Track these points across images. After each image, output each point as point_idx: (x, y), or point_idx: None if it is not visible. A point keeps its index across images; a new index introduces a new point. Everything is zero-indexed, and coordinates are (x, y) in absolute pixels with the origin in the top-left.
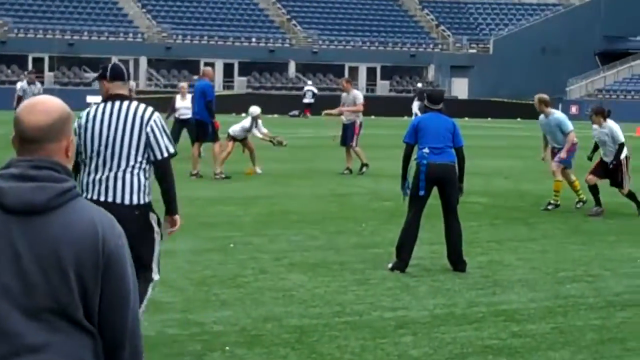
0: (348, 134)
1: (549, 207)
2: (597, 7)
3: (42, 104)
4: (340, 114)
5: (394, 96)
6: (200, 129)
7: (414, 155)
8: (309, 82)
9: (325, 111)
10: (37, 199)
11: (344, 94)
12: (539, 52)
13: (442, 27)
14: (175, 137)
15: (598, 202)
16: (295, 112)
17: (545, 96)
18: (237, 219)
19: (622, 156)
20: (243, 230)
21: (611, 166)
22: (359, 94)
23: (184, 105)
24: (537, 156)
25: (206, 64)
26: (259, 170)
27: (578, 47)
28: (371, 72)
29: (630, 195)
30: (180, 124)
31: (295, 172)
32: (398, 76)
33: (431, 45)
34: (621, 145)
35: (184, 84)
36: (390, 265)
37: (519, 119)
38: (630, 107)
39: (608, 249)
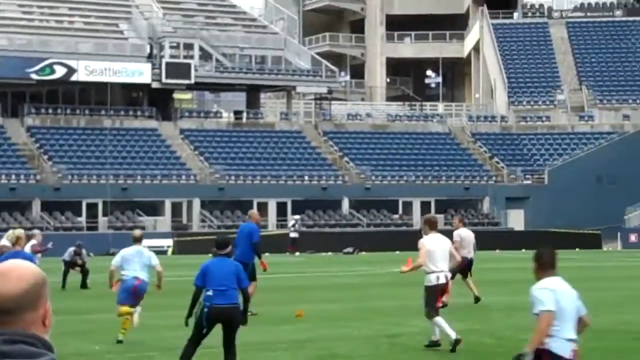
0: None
1: None
2: None
3: (16, 270)
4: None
5: (449, 229)
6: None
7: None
8: (296, 216)
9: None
10: None
11: (455, 232)
12: (595, 181)
13: (496, 159)
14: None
15: None
16: (350, 249)
17: (430, 217)
18: None
19: None
20: None
21: None
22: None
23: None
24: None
25: (259, 204)
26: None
27: (634, 174)
28: (425, 207)
29: None
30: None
31: (345, 312)
32: (453, 209)
33: (485, 178)
34: None
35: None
36: None
37: (577, 249)
38: None
39: None
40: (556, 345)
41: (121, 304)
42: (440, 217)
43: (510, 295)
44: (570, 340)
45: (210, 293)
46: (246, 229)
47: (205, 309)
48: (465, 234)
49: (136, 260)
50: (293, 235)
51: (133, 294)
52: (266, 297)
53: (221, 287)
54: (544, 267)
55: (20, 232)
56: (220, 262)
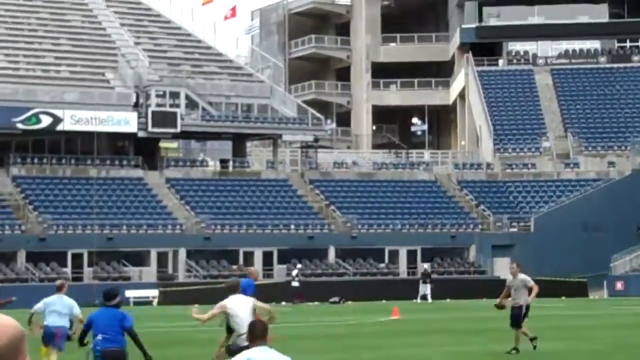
0: (519, 315)
1: None
2: (636, 181)
3: None
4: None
5: (435, 278)
6: None
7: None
8: (299, 266)
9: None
10: None
11: (510, 278)
12: (581, 228)
13: (482, 207)
14: None
15: None
16: (336, 299)
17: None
18: None
19: None
20: None
21: None
22: (527, 278)
23: None
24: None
25: (245, 253)
26: None
27: (620, 221)
28: (412, 255)
29: None
30: None
31: None
32: (439, 258)
33: (471, 226)
34: None
35: None
36: None
37: (563, 297)
38: None
39: None
40: None
41: (44, 345)
42: (427, 265)
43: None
44: None
45: (99, 338)
46: (244, 285)
47: (97, 353)
48: (520, 279)
49: (58, 309)
50: (295, 284)
51: (53, 339)
52: None
53: (109, 334)
54: (254, 338)
55: None
56: (107, 312)
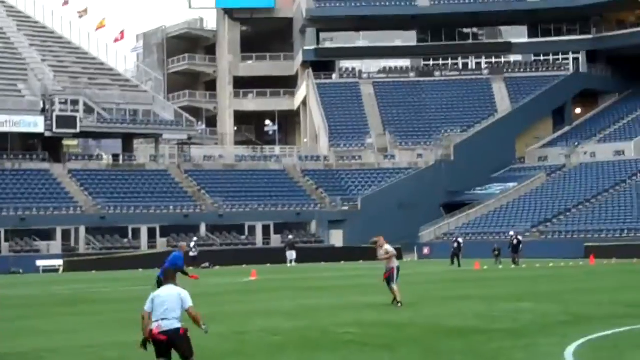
0: (390, 275)
1: None
2: (438, 169)
3: None
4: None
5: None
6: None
7: None
8: (194, 238)
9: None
10: None
11: (379, 250)
12: (397, 206)
13: (320, 190)
14: None
15: None
16: (207, 264)
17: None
18: None
19: None
20: None
21: None
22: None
23: None
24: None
25: (133, 229)
26: None
27: (427, 201)
28: (266, 229)
29: None
30: None
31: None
32: (288, 230)
33: (312, 205)
34: None
35: None
36: None
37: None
38: (470, 247)
39: None
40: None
41: None
42: (278, 237)
43: (335, 298)
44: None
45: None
46: (175, 256)
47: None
48: (389, 249)
49: None
50: (192, 254)
51: None
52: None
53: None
54: (166, 280)
55: None
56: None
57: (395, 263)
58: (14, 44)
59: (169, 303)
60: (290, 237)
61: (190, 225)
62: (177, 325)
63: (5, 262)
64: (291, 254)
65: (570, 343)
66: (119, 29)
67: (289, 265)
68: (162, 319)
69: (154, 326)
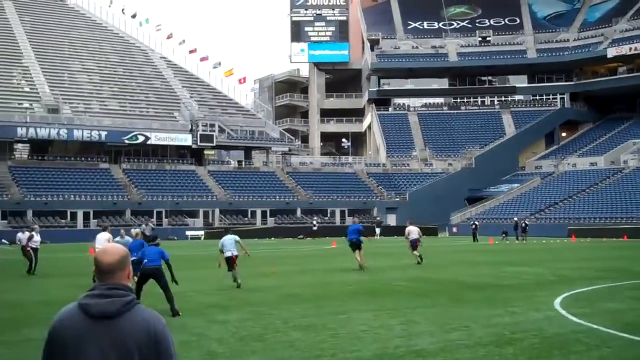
0: (415, 244)
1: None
2: (463, 174)
3: (112, 248)
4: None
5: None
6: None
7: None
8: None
9: None
10: (110, 309)
11: (409, 227)
12: (433, 199)
13: (381, 187)
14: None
15: None
16: (301, 236)
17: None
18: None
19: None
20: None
21: None
22: (416, 228)
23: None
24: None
25: (251, 211)
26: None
27: (455, 195)
28: (342, 213)
29: None
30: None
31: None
32: (357, 214)
33: (374, 197)
34: None
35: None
36: None
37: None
38: (485, 228)
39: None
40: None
41: None
42: (349, 219)
43: (390, 261)
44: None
45: (146, 261)
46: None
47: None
48: (411, 228)
49: None
50: (314, 229)
51: None
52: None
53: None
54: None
55: None
56: (152, 248)
57: (414, 236)
58: (172, 86)
59: (229, 245)
60: (379, 218)
61: (290, 209)
62: (235, 254)
63: (165, 232)
64: (378, 231)
65: (558, 295)
66: (242, 74)
67: (377, 238)
68: (228, 251)
69: (227, 254)
